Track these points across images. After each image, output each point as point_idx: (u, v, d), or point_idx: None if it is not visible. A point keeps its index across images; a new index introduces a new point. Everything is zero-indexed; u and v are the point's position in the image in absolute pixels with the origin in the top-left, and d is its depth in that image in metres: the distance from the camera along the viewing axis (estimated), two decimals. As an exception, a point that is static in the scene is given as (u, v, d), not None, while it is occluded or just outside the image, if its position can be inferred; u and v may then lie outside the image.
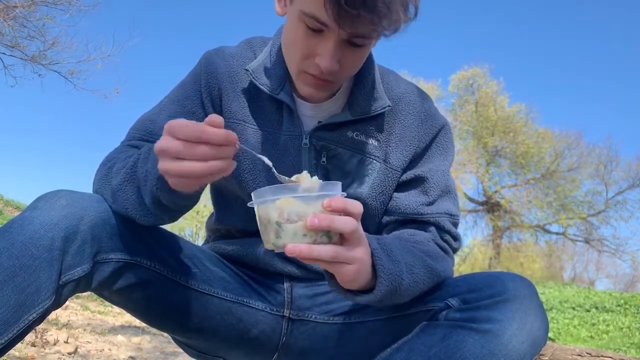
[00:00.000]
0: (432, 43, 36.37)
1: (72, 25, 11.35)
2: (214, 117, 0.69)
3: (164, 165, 0.71)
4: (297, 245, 0.67)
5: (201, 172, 0.69)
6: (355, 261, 0.71)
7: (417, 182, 1.01)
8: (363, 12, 0.77)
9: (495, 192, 21.66)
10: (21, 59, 9.98)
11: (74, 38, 10.60)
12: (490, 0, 33.80)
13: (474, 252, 22.85)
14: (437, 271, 0.87)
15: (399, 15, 0.80)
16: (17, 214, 0.87)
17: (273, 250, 0.72)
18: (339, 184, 0.71)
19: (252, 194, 0.72)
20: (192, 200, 0.82)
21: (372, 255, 0.76)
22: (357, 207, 0.70)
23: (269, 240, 0.70)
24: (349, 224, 0.68)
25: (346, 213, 0.68)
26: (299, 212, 0.67)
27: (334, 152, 1.00)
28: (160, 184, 0.76)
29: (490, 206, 21.47)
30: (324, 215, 0.67)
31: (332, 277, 0.78)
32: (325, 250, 0.68)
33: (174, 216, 0.85)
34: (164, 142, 0.70)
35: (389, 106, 1.00)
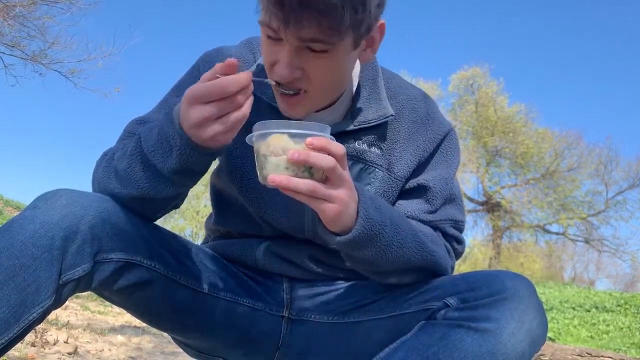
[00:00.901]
0: (432, 43, 36.38)
1: (72, 25, 11.39)
2: (229, 62, 0.74)
3: (210, 131, 0.75)
4: (276, 176, 0.71)
5: (243, 116, 0.76)
6: (335, 200, 0.74)
7: (420, 191, 1.01)
8: (306, 14, 0.75)
9: (495, 192, 21.67)
10: (21, 58, 9.99)
11: (74, 37, 10.59)
12: (490, 0, 33.82)
13: (474, 252, 22.86)
14: (428, 248, 0.87)
15: (352, 12, 0.77)
16: (17, 213, 0.87)
17: (266, 186, 0.75)
18: (328, 128, 0.75)
19: (253, 128, 0.75)
20: (222, 151, 0.84)
21: (358, 201, 0.78)
22: (338, 148, 0.73)
23: (258, 173, 0.76)
24: (327, 160, 0.71)
25: (327, 152, 0.71)
26: (284, 147, 0.72)
27: None
28: (189, 149, 0.78)
29: (490, 206, 21.47)
30: (303, 150, 0.70)
31: (319, 221, 0.80)
32: (303, 183, 0.71)
33: (196, 179, 0.87)
34: (198, 112, 0.74)
35: (392, 115, 0.99)
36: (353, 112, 0.98)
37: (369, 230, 0.79)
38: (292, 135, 0.72)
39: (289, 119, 0.98)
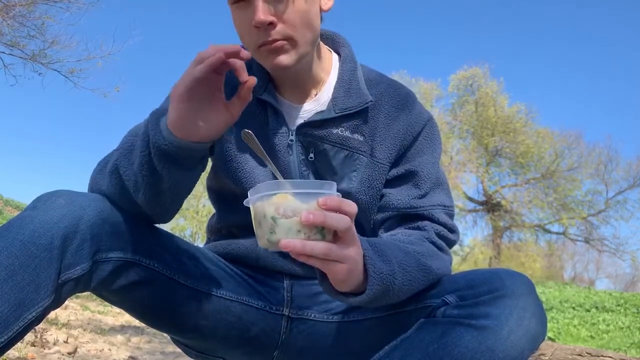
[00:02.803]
0: (432, 43, 36.39)
1: (72, 24, 11.32)
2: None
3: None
4: (290, 241, 0.68)
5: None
6: (347, 260, 0.72)
7: (408, 177, 1.02)
8: None
9: (496, 192, 21.67)
10: (21, 57, 9.97)
11: (74, 37, 10.54)
12: (490, 0, 33.81)
13: (474, 252, 22.86)
14: (431, 270, 0.87)
15: None
16: (16, 213, 0.87)
17: (267, 249, 0.72)
18: (334, 184, 0.72)
19: (248, 192, 0.73)
20: (196, 155, 0.82)
21: (364, 256, 0.76)
22: (352, 206, 0.71)
23: (263, 237, 0.71)
24: (343, 221, 0.69)
25: (341, 212, 0.69)
26: (294, 208, 0.68)
27: (321, 148, 1.01)
28: (169, 138, 0.79)
29: (490, 206, 21.47)
30: (318, 212, 0.68)
31: (324, 279, 0.79)
32: (318, 247, 0.69)
33: (173, 176, 0.83)
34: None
35: (372, 101, 1.01)
36: (334, 100, 1.01)
37: (381, 286, 0.78)
38: (296, 195, 0.69)
39: (281, 110, 0.99)
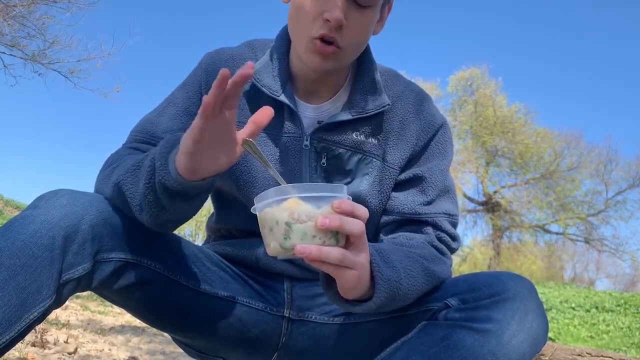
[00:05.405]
0: (431, 43, 36.39)
1: (72, 25, 11.31)
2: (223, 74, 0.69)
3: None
4: (306, 246, 0.66)
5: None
6: (357, 266, 0.71)
7: (415, 182, 1.01)
8: None
9: (495, 192, 21.66)
10: (21, 58, 9.97)
11: (74, 37, 10.52)
12: (489, 0, 33.80)
13: (474, 252, 22.86)
14: (435, 274, 0.87)
15: None
16: (17, 213, 0.87)
17: (276, 257, 0.70)
18: (344, 187, 0.71)
19: (254, 200, 0.72)
20: (198, 193, 0.80)
21: (370, 262, 0.75)
22: (364, 211, 0.70)
23: (274, 243, 0.69)
24: (358, 226, 0.68)
25: (354, 216, 0.68)
26: (308, 213, 0.66)
27: (334, 153, 1.00)
28: (173, 175, 0.76)
29: (490, 206, 21.46)
30: (334, 216, 0.66)
31: (328, 287, 0.79)
32: (333, 253, 0.67)
33: (174, 211, 0.82)
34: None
35: (389, 104, 1.00)
36: (351, 102, 1.00)
37: (388, 293, 0.77)
38: (308, 199, 0.67)
39: (297, 113, 0.99)
